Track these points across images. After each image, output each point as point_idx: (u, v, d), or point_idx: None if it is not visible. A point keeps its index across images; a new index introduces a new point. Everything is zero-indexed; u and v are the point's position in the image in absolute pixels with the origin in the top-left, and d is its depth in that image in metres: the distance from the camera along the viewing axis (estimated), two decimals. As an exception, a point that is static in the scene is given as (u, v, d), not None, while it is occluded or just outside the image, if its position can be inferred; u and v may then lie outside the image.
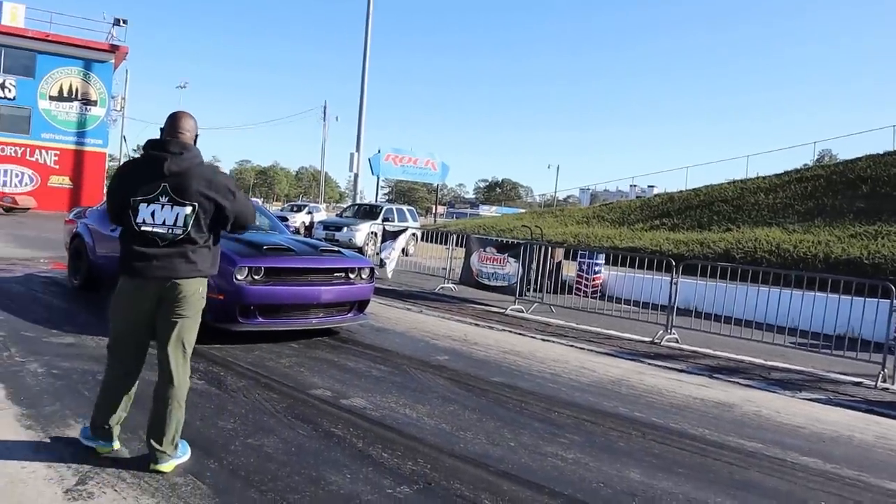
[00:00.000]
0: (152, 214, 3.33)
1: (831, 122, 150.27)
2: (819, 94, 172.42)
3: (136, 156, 3.65)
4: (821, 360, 8.13)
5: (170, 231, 3.35)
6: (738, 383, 6.90)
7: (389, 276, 13.45)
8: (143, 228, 3.33)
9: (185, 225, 3.36)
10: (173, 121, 3.50)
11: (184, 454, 3.56)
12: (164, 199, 3.33)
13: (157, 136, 3.50)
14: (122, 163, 3.35)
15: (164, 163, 3.32)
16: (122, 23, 34.61)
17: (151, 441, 3.42)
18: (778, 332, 8.44)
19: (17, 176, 32.23)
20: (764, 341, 8.41)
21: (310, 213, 31.63)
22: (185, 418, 3.55)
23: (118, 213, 3.42)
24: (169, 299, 3.39)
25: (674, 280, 9.06)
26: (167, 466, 3.42)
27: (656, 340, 8.84)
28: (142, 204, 3.33)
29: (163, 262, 3.35)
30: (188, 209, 3.35)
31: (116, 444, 3.59)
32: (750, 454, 4.60)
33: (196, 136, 3.57)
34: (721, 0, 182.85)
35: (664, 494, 3.72)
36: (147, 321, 3.44)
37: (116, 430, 3.56)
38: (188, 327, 3.49)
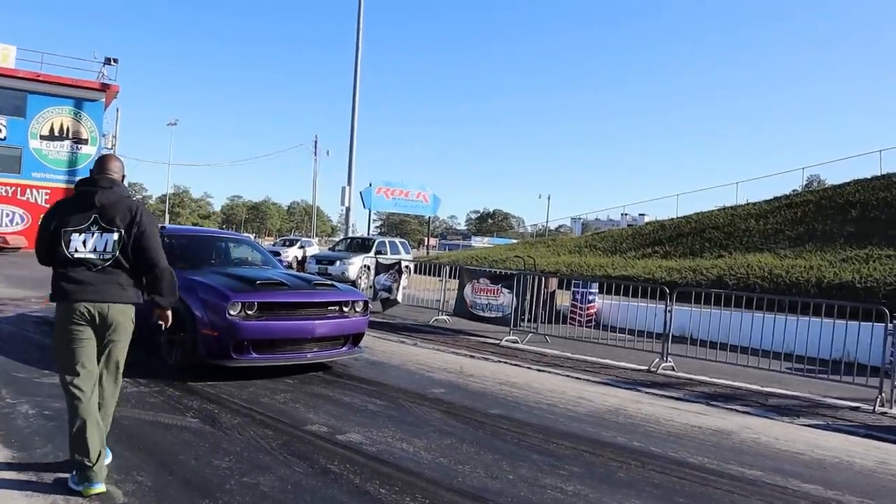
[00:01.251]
0: (83, 243, 3.62)
1: (818, 148, 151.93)
2: (805, 120, 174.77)
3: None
4: (817, 385, 8.12)
5: (100, 257, 3.63)
6: (735, 410, 6.87)
7: (400, 301, 13.78)
8: (76, 256, 3.62)
9: (114, 250, 3.65)
10: (102, 162, 3.89)
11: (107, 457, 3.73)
12: (94, 228, 3.65)
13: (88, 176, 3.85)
14: (53, 203, 4.00)
15: (94, 195, 3.67)
16: (112, 62, 34.80)
17: (76, 456, 3.52)
18: (774, 358, 8.43)
19: (7, 215, 32.13)
20: (760, 367, 8.39)
21: (302, 247, 31.63)
22: (179, 457, 3.51)
23: (48, 246, 3.68)
24: (102, 324, 3.66)
25: (668, 308, 9.07)
26: (99, 488, 3.50)
27: (652, 368, 8.81)
28: (74, 234, 3.63)
29: (95, 287, 3.63)
30: (115, 235, 3.66)
31: (102, 487, 3.52)
32: (751, 482, 4.56)
33: (123, 176, 3.93)
34: (708, 31, 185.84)
35: (666, 525, 3.67)
36: (89, 340, 3.66)
37: (102, 472, 3.54)
38: (120, 349, 3.78)
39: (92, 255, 3.61)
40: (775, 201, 28.96)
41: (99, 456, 3.52)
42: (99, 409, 3.67)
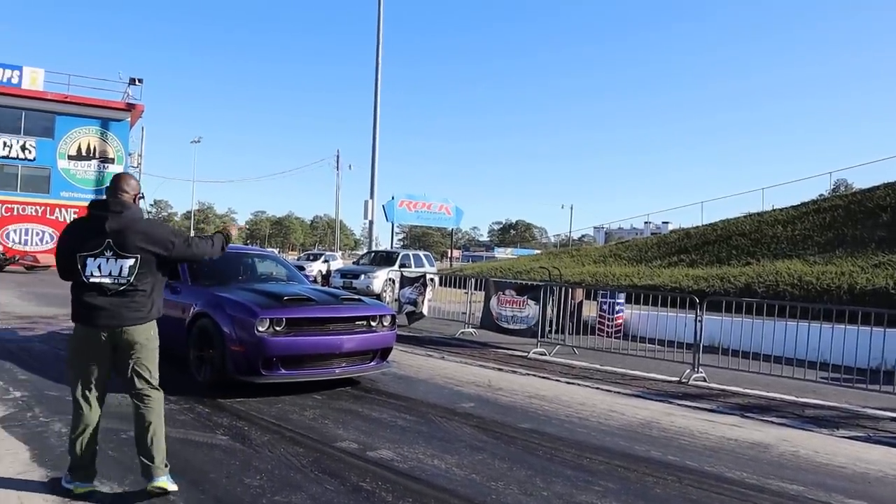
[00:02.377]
0: (99, 267, 3.65)
1: (844, 153, 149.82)
2: (830, 125, 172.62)
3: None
4: (855, 395, 7.92)
5: (115, 281, 3.66)
6: (771, 422, 6.71)
7: (426, 314, 13.75)
8: (91, 280, 3.66)
9: (130, 275, 3.69)
10: (116, 182, 3.88)
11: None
12: (108, 253, 3.66)
13: (103, 197, 3.88)
14: (68, 223, 3.93)
15: (105, 221, 3.69)
16: (137, 82, 35.43)
17: (143, 459, 3.70)
18: (808, 368, 8.24)
19: (37, 234, 32.74)
20: (795, 377, 8.22)
21: (326, 261, 31.77)
22: (210, 475, 3.47)
23: (66, 267, 3.74)
24: (121, 345, 3.71)
25: (699, 317, 8.92)
26: (164, 483, 3.67)
27: (683, 380, 8.66)
28: (89, 258, 3.66)
29: (111, 311, 3.66)
30: (131, 261, 3.69)
31: (96, 484, 3.80)
32: (792, 497, 4.43)
33: (137, 194, 3.92)
34: (731, 39, 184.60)
35: (708, 543, 3.57)
36: (102, 361, 3.72)
37: (92, 474, 3.79)
38: (147, 361, 3.80)
39: (107, 280, 3.65)
40: (803, 207, 28.52)
41: (91, 457, 3.78)
42: (148, 413, 3.75)
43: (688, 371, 8.81)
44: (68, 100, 33.37)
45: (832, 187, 35.09)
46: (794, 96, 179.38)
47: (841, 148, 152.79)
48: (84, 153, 34.17)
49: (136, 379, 3.76)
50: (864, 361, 7.87)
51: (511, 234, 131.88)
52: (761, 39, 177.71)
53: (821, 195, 31.16)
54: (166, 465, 3.75)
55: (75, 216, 32.64)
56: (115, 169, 34.53)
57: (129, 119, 35.95)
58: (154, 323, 3.85)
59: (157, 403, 3.81)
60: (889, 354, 8.34)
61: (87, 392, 3.72)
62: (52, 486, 3.83)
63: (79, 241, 3.71)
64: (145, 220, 3.87)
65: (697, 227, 32.97)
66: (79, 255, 3.66)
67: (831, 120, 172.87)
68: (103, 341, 3.66)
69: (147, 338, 3.78)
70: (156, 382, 3.84)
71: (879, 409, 7.35)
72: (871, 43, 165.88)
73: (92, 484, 3.77)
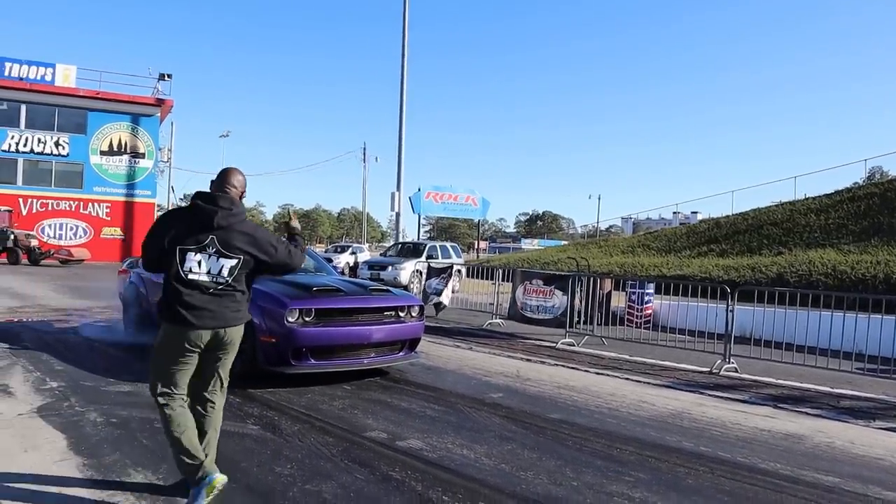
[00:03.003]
0: (199, 263, 3.50)
1: (879, 138, 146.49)
2: (865, 109, 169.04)
3: (183, 205, 3.83)
4: (892, 386, 7.76)
5: (213, 280, 3.52)
6: (805, 413, 6.60)
7: (447, 304, 13.69)
8: (189, 276, 3.47)
9: (230, 275, 3.56)
10: (224, 176, 3.71)
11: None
12: (211, 250, 3.51)
13: (207, 189, 3.69)
14: (166, 210, 3.41)
15: (213, 216, 3.52)
16: (166, 77, 35.87)
17: (185, 463, 3.54)
18: (844, 358, 8.09)
19: (71, 229, 33.37)
20: (829, 368, 8.07)
21: (353, 253, 31.94)
22: (242, 464, 3.50)
23: (158, 257, 3.55)
24: (216, 345, 3.58)
25: (730, 307, 8.80)
26: (219, 479, 3.45)
27: (714, 370, 8.56)
28: (189, 252, 3.48)
29: (213, 311, 3.51)
30: (233, 261, 3.56)
31: (221, 476, 3.48)
32: (828, 489, 4.35)
33: (243, 191, 3.76)
34: (760, 29, 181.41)
35: (741, 534, 3.53)
36: (192, 362, 3.57)
37: (211, 467, 3.49)
38: (229, 364, 3.74)
39: (206, 278, 3.50)
40: (836, 195, 27.95)
41: (205, 455, 3.52)
42: (208, 422, 3.67)
43: (719, 361, 8.70)
44: (100, 96, 33.92)
45: (867, 175, 34.32)
46: (825, 86, 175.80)
47: (876, 135, 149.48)
48: (115, 149, 34.69)
49: (215, 380, 3.67)
50: (901, 351, 7.70)
51: (538, 225, 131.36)
52: (790, 28, 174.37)
53: (855, 183, 30.49)
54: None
55: (107, 210, 33.40)
56: (145, 164, 35.10)
57: (159, 114, 36.41)
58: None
59: (220, 408, 3.75)
60: (927, 344, 8.16)
61: (172, 395, 3.51)
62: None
63: (182, 232, 3.51)
64: (250, 222, 3.73)
65: (727, 216, 32.50)
66: (179, 249, 3.47)
67: (865, 107, 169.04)
68: (199, 342, 3.50)
69: (240, 336, 3.69)
70: (226, 387, 3.79)
71: (917, 399, 7.20)
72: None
73: (217, 474, 3.47)
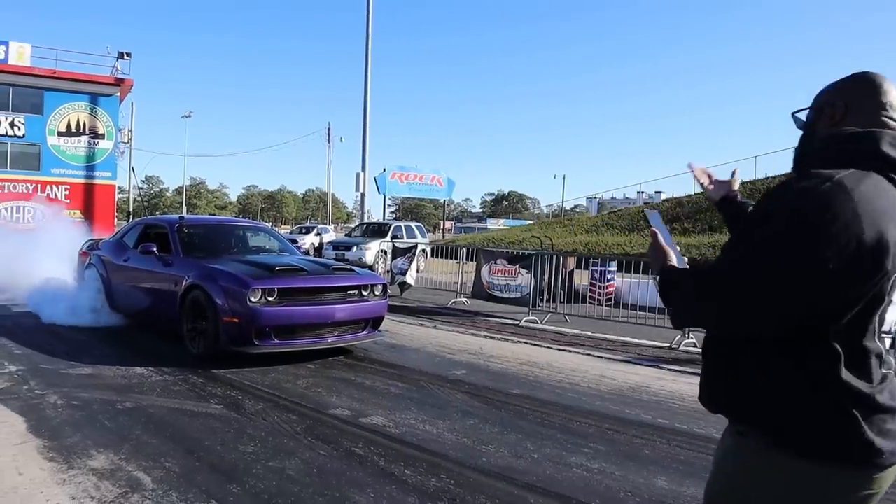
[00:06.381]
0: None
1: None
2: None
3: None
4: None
5: None
6: (759, 385, 6.80)
7: (413, 284, 13.74)
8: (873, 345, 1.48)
9: None
10: None
11: None
12: None
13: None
14: (855, 187, 1.35)
15: None
16: (125, 56, 34.95)
17: None
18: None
19: (29, 212, 32.56)
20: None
21: (318, 234, 31.74)
22: (205, 443, 3.52)
23: (836, 307, 1.42)
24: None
25: (688, 284, 8.98)
26: None
27: (674, 346, 8.76)
28: None
29: None
30: None
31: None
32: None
33: None
34: (715, 4, 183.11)
35: (694, 501, 3.65)
36: None
37: None
38: None
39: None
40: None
41: None
42: None
43: (678, 337, 8.90)
44: (56, 75, 32.96)
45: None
46: (786, 65, 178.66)
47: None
48: (74, 129, 33.80)
49: None
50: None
51: (503, 204, 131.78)
52: (748, 5, 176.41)
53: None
54: None
55: (66, 192, 32.65)
56: (105, 145, 34.26)
57: (119, 94, 35.53)
58: None
59: None
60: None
61: None
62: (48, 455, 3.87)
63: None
64: None
65: (690, 195, 33.02)
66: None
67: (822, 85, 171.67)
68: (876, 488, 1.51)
69: None
70: None
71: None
72: None
73: None
